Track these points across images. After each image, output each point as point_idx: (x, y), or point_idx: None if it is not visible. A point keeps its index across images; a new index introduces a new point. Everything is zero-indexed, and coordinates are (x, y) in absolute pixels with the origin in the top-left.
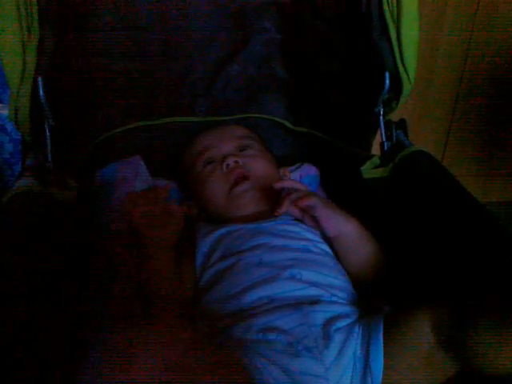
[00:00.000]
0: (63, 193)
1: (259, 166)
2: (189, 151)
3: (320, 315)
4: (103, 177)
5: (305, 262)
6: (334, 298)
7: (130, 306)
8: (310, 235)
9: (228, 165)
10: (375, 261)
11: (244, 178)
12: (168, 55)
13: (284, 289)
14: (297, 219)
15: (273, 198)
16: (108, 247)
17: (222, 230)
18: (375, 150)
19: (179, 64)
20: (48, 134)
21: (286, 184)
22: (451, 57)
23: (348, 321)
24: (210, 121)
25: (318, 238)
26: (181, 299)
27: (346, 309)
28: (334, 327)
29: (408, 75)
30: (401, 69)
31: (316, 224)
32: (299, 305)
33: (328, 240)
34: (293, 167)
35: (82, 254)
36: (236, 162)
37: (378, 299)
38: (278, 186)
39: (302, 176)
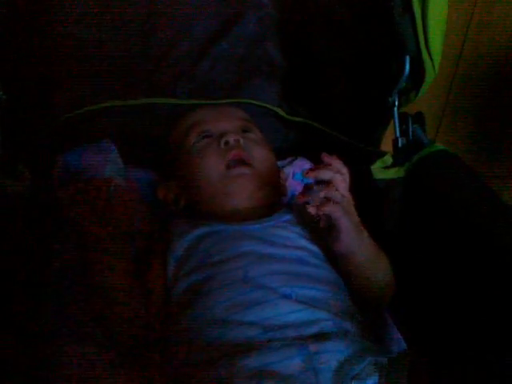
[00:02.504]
0: (14, 183)
1: (261, 153)
2: (181, 123)
3: (331, 357)
4: (67, 163)
5: (298, 276)
6: (336, 320)
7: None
8: (305, 243)
9: (227, 142)
10: (383, 286)
11: (243, 162)
12: (149, 26)
13: (276, 312)
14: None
15: (270, 194)
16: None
17: (202, 230)
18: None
19: (161, 37)
20: None
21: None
22: (444, 58)
23: (365, 361)
24: (192, 104)
25: (315, 248)
26: (144, 317)
27: (361, 345)
28: (350, 374)
29: (432, 60)
30: (424, 52)
31: (328, 231)
32: (303, 342)
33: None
34: (285, 161)
35: (36, 256)
36: (236, 140)
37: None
38: (325, 158)
39: (296, 172)
